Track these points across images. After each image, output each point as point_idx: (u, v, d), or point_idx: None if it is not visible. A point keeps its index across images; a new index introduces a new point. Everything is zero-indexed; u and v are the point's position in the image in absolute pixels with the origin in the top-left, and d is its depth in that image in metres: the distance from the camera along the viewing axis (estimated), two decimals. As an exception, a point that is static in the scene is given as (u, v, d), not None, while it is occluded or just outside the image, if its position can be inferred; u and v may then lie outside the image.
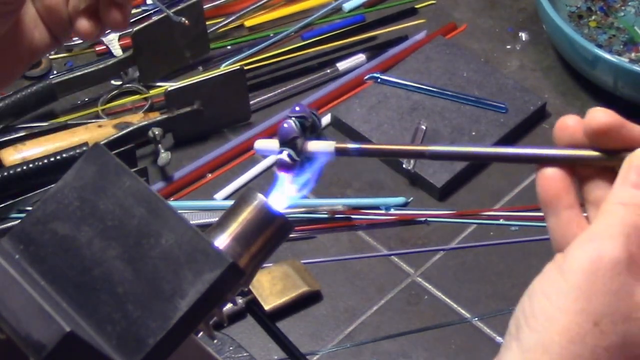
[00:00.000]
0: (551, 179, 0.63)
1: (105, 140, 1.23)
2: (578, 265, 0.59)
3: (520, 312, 0.60)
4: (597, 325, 0.58)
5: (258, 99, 1.34)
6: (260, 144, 0.68)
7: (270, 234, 0.65)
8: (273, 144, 0.67)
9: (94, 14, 0.86)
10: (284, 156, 0.66)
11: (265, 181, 1.26)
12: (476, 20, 1.45)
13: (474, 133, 1.29)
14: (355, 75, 1.37)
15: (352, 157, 0.67)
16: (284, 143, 0.66)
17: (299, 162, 0.66)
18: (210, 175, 1.28)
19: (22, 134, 1.28)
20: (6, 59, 0.86)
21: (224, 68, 1.35)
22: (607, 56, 1.28)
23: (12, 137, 1.27)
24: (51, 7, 0.86)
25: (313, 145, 0.67)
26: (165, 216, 0.63)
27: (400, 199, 1.24)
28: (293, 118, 0.66)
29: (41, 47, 0.87)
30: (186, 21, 1.24)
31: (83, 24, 0.85)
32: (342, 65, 1.38)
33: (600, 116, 0.62)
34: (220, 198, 1.25)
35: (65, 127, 1.30)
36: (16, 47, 0.86)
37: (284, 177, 0.66)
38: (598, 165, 0.63)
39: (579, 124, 0.63)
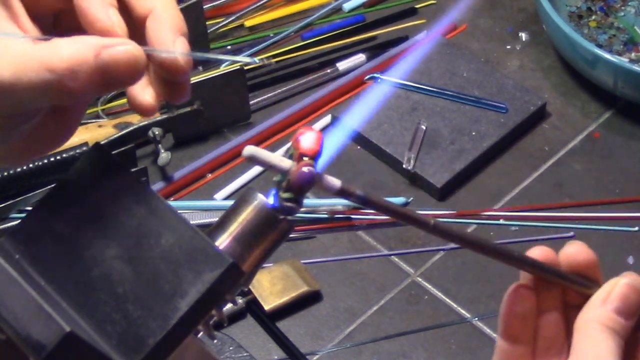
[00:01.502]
0: (524, 298, 0.69)
1: (105, 140, 1.23)
2: None
3: None
4: None
5: (258, 99, 1.35)
6: (250, 151, 0.64)
7: (271, 234, 0.65)
8: (267, 155, 0.63)
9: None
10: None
11: (265, 181, 1.26)
12: (476, 20, 1.45)
13: (474, 133, 1.29)
14: (355, 75, 1.37)
15: (343, 160, 0.66)
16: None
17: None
18: (210, 175, 1.28)
19: (22, 134, 1.28)
20: None
21: (224, 68, 1.35)
22: (607, 56, 1.28)
23: (12, 137, 1.27)
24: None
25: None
26: (165, 216, 0.63)
27: (400, 199, 1.24)
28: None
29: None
30: (268, 60, 0.96)
31: (147, 100, 0.64)
32: (342, 65, 1.38)
33: (583, 253, 0.65)
34: (220, 198, 1.25)
35: (65, 127, 1.29)
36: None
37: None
38: (577, 290, 0.66)
39: (551, 255, 0.66)
